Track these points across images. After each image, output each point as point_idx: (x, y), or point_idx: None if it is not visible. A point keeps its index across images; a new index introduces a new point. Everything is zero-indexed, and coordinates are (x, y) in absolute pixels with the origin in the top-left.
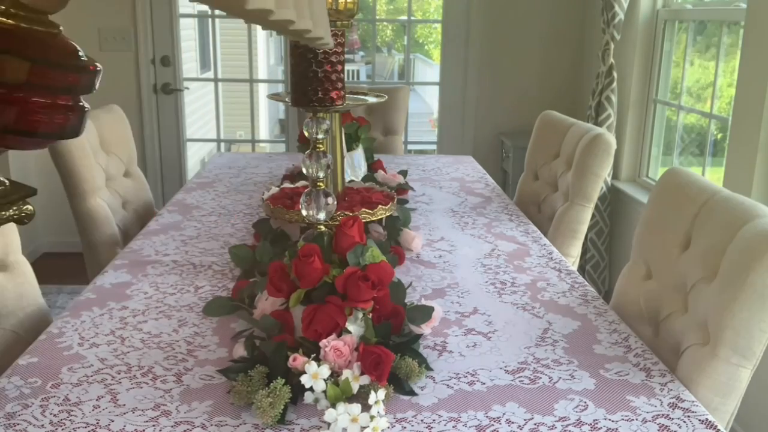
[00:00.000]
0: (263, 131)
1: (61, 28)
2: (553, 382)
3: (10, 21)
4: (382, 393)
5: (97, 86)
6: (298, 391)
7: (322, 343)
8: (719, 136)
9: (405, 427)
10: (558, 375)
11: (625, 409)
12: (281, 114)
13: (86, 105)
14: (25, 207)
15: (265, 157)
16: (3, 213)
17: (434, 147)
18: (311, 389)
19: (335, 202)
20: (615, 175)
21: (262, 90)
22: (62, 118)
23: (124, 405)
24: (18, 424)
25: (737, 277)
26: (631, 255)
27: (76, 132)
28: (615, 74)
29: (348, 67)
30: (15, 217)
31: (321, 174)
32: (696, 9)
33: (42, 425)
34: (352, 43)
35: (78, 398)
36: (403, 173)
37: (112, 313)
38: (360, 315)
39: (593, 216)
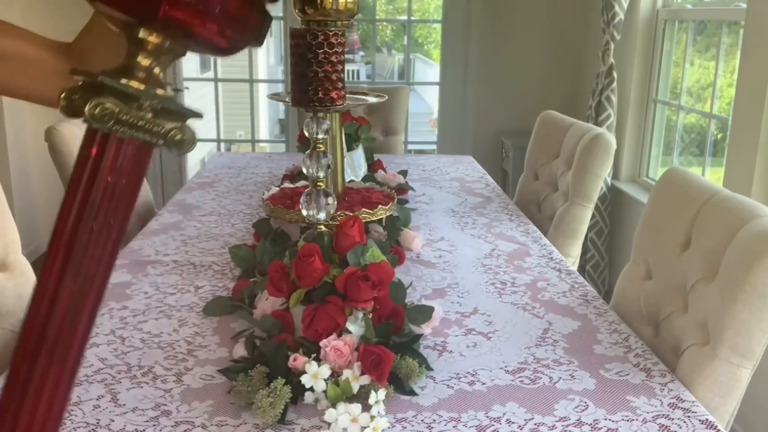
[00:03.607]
0: (263, 131)
1: None
2: (554, 382)
3: None
4: (382, 393)
5: (263, 40)
6: (299, 391)
7: (323, 343)
8: (719, 136)
9: (405, 427)
10: (558, 375)
11: (626, 410)
12: (281, 114)
13: (271, 17)
14: (183, 128)
15: (265, 157)
16: (161, 128)
17: (434, 147)
18: (311, 389)
19: (335, 202)
20: (615, 175)
21: (262, 90)
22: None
23: (125, 405)
24: None
25: (737, 277)
26: (631, 255)
27: (260, 29)
28: (615, 74)
29: (348, 67)
30: (171, 136)
31: (321, 174)
32: (696, 9)
33: None
34: (352, 43)
35: (78, 398)
36: (403, 173)
37: (112, 313)
38: (360, 315)
39: (593, 216)
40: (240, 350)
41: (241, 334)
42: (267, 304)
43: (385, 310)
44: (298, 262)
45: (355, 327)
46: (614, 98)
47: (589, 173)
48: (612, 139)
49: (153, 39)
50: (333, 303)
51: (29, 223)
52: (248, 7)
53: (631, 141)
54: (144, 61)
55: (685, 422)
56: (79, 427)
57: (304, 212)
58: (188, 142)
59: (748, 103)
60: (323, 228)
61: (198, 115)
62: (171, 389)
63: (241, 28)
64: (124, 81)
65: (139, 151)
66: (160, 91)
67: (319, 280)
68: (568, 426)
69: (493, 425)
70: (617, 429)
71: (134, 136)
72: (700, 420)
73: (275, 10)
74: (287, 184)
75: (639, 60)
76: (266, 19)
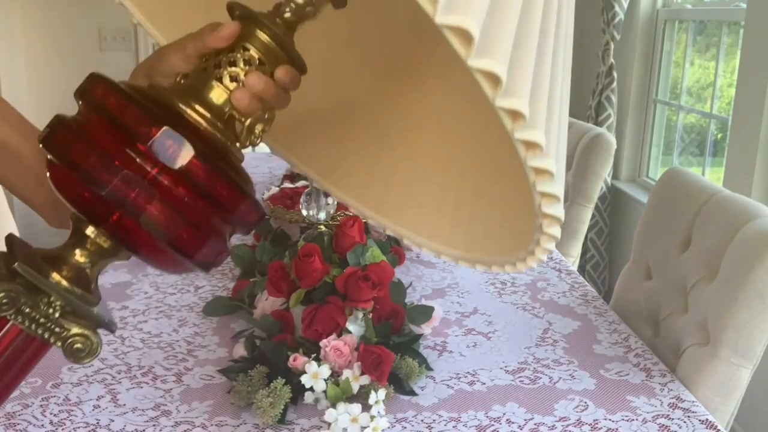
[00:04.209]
0: None
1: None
2: (554, 382)
3: (201, 121)
4: (382, 393)
5: (251, 232)
6: (298, 391)
7: (323, 343)
8: (719, 136)
9: (405, 427)
10: (558, 375)
11: (626, 410)
12: None
13: (229, 250)
14: (88, 337)
15: (265, 157)
16: (63, 331)
17: None
18: (311, 389)
19: (335, 202)
20: (615, 175)
21: None
22: (198, 235)
23: (125, 405)
24: (18, 424)
25: (737, 277)
26: (631, 255)
27: (205, 264)
28: (615, 74)
29: None
30: (71, 343)
31: None
32: (696, 9)
33: (42, 425)
34: None
35: (78, 398)
36: None
37: (112, 313)
38: (360, 315)
39: (593, 216)
40: (240, 350)
41: (241, 334)
42: (267, 304)
43: (385, 310)
44: (298, 262)
45: (355, 327)
46: (614, 98)
47: (589, 173)
48: (612, 139)
49: (97, 240)
50: (333, 303)
51: (29, 223)
52: (200, 244)
53: (631, 141)
54: (80, 257)
55: (685, 422)
56: (79, 428)
57: (304, 212)
58: (86, 354)
59: (748, 103)
60: (323, 228)
61: (110, 328)
62: (171, 389)
63: (189, 258)
64: (52, 271)
65: (32, 345)
66: (78, 291)
67: (319, 280)
68: (568, 426)
69: (493, 425)
70: (617, 429)
71: (31, 331)
72: (700, 420)
73: None
74: (287, 184)
75: (639, 60)
76: (222, 255)
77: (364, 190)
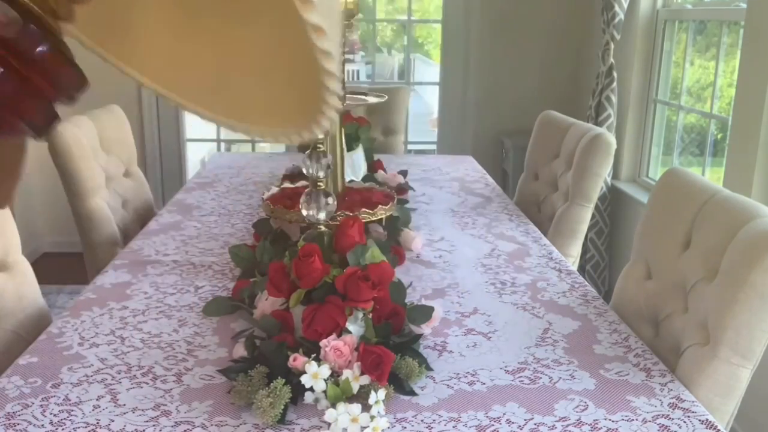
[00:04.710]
0: None
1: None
2: (553, 382)
3: None
4: (382, 393)
5: (77, 99)
6: (298, 391)
7: (323, 343)
8: (719, 136)
9: (405, 427)
10: (558, 375)
11: (625, 410)
12: None
13: (59, 117)
14: None
15: (265, 157)
16: None
17: (434, 147)
18: (311, 389)
19: (335, 202)
20: (615, 175)
21: None
22: (31, 100)
23: (124, 405)
24: (18, 424)
25: (737, 277)
26: (631, 255)
27: (36, 129)
28: (615, 74)
29: (348, 67)
30: None
31: (321, 174)
32: (696, 9)
33: (42, 425)
34: (352, 43)
35: (78, 398)
36: (403, 173)
37: (112, 313)
38: (360, 315)
39: (593, 216)
40: (240, 350)
41: (241, 334)
42: (267, 304)
43: (385, 310)
44: (298, 262)
45: (355, 327)
46: (614, 98)
47: (589, 173)
48: (612, 139)
49: None
50: (333, 303)
51: (29, 223)
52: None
53: (631, 141)
54: None
55: (684, 422)
56: (79, 428)
57: (304, 212)
58: None
59: (748, 103)
60: (323, 228)
61: None
62: (171, 389)
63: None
64: None
65: None
66: None
67: (319, 280)
68: (568, 426)
69: (493, 425)
70: (617, 429)
71: None
72: (700, 420)
73: None
74: (287, 184)
75: (639, 60)
76: (48, 119)
77: (151, 58)
